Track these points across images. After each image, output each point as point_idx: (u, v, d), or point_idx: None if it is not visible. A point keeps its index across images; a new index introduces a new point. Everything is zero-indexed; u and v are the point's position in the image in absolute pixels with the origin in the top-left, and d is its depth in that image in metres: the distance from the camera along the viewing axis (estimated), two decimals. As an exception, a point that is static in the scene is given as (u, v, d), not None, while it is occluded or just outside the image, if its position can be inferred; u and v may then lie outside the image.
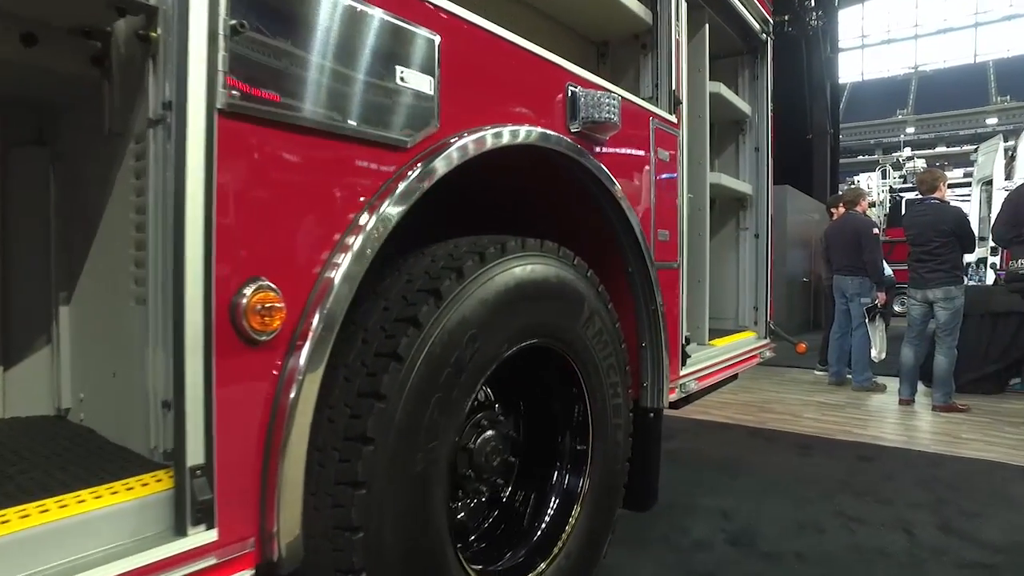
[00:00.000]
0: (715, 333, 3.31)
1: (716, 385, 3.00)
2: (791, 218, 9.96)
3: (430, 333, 1.23)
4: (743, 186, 3.36)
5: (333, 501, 1.13)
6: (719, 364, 2.73)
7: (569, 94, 1.65)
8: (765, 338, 3.47)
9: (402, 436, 1.17)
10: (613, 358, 1.84)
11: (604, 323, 1.79)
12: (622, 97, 1.94)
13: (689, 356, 2.39)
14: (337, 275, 1.07)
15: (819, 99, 12.98)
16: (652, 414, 2.17)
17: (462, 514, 1.63)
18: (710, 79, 3.14)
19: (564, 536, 1.70)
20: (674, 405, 2.81)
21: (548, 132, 1.54)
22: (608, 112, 1.70)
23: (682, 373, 2.35)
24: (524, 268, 1.47)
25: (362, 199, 1.11)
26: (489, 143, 1.33)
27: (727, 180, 3.11)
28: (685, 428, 4.25)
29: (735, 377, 3.38)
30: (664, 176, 2.19)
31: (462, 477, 1.52)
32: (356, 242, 1.10)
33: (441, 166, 1.22)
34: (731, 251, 3.59)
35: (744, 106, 3.35)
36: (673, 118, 2.27)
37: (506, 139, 1.42)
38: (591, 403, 1.79)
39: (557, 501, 1.76)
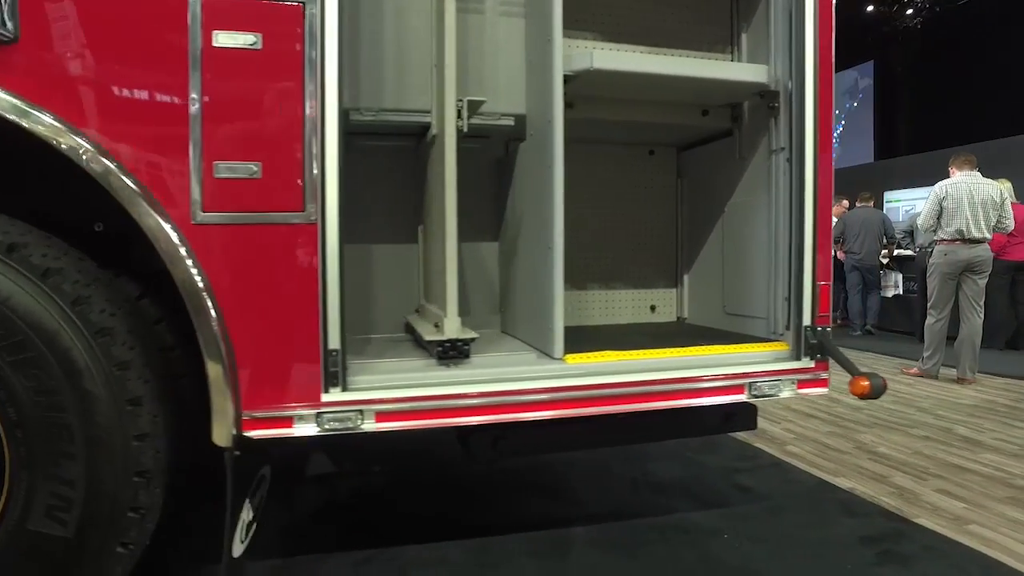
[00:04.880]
0: (733, 337, 1.95)
1: (606, 433, 1.75)
2: None
3: None
4: (734, 70, 1.76)
5: None
6: (505, 398, 1.51)
7: None
8: (802, 358, 1.82)
9: None
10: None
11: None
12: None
13: (343, 369, 1.37)
14: None
15: None
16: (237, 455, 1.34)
17: None
18: None
19: None
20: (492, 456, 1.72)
21: None
22: None
23: (325, 399, 1.37)
24: None
25: None
26: None
27: (635, 62, 1.66)
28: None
29: (743, 422, 1.91)
30: (230, 73, 1.29)
31: None
32: None
33: None
34: (762, 195, 1.97)
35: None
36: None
37: None
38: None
39: None
